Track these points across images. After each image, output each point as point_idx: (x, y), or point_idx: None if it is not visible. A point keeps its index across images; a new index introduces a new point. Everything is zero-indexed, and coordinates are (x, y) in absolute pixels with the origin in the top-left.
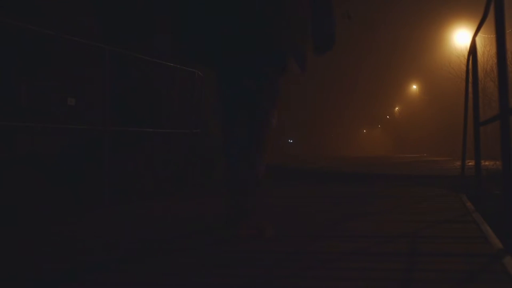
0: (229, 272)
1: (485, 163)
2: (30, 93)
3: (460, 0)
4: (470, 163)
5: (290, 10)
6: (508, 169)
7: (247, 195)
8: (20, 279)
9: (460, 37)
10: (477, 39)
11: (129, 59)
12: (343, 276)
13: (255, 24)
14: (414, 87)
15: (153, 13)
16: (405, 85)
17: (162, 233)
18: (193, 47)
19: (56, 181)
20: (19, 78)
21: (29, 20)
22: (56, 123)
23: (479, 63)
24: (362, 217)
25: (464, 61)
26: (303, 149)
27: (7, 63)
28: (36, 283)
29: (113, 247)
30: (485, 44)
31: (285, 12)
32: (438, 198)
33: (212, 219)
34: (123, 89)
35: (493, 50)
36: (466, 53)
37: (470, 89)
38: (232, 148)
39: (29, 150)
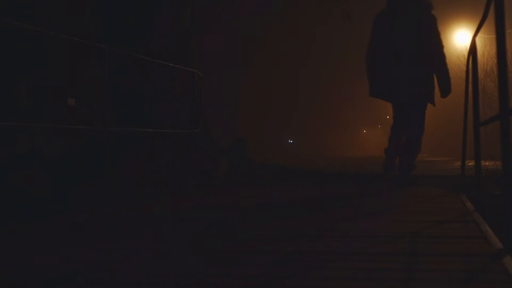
0: (229, 272)
1: (485, 163)
2: (30, 93)
3: (460, 0)
4: (470, 163)
5: (428, 78)
6: (508, 169)
7: (409, 171)
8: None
9: (460, 37)
10: (477, 39)
11: (129, 59)
12: (343, 276)
13: (420, 86)
14: None
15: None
16: None
17: (161, 232)
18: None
19: (56, 181)
20: (19, 78)
21: (29, 20)
22: (56, 123)
23: (479, 63)
24: (362, 217)
25: (464, 61)
26: (304, 149)
27: (7, 63)
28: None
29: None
30: (485, 44)
31: (427, 79)
32: (438, 198)
33: (212, 219)
34: (123, 89)
35: (493, 50)
36: (466, 53)
37: (470, 89)
38: (399, 151)
39: (29, 150)
